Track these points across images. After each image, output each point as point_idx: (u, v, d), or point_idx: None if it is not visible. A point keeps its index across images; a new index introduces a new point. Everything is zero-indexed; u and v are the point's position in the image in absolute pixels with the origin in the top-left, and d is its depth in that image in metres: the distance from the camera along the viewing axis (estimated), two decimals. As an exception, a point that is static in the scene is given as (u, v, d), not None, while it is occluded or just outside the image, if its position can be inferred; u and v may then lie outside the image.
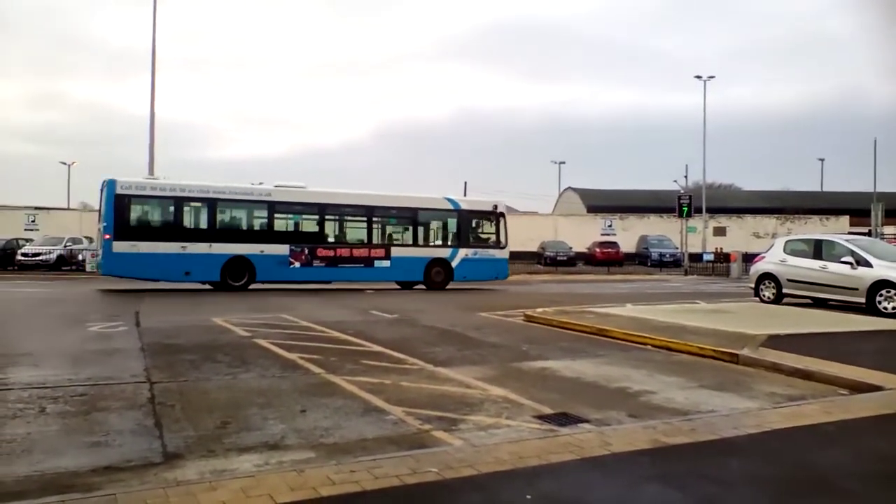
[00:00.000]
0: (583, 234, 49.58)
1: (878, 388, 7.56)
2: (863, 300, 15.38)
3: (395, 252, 23.32)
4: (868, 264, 15.51)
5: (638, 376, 8.64)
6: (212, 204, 21.40)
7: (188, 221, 21.40)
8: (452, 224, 24.60)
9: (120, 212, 20.24)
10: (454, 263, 24.07)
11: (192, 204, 21.34)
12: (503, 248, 25.07)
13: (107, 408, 6.66)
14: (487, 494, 4.39)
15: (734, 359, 9.58)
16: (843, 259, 15.94)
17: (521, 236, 38.62)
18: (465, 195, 49.30)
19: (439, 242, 24.53)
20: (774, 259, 17.83)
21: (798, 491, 4.60)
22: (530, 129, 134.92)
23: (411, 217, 24.09)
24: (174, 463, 5.12)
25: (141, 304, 16.17)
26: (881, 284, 15.12)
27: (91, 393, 7.25)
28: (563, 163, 74.43)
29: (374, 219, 23.44)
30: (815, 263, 16.65)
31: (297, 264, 22.03)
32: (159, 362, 9.05)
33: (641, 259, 47.63)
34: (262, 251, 21.52)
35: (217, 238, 21.23)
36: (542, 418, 6.52)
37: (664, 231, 49.98)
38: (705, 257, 43.12)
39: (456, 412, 6.67)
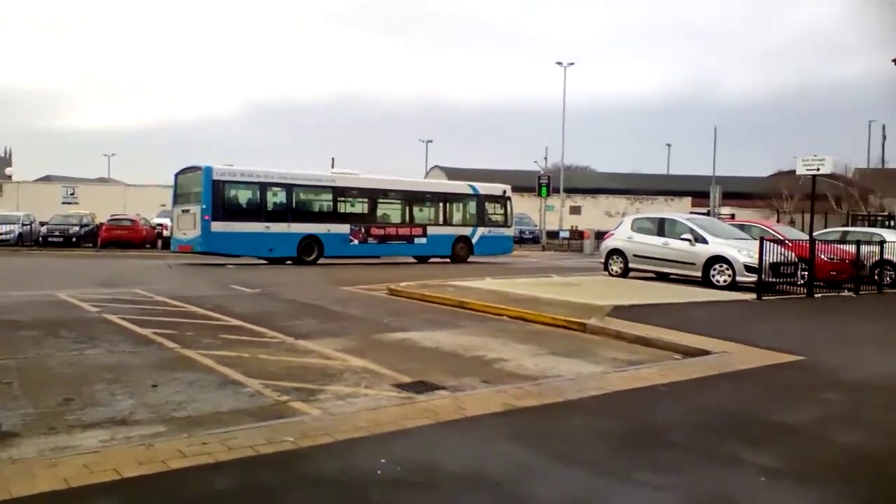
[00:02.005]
0: (448, 211, 50.09)
1: (706, 353, 8.22)
2: (699, 274, 16.56)
3: (430, 231, 26.15)
4: (704, 241, 16.70)
5: (494, 345, 8.94)
6: (289, 189, 23.51)
7: (271, 204, 23.24)
8: (472, 206, 27.67)
9: (217, 195, 21.96)
10: (474, 240, 27.18)
11: (274, 188, 23.32)
12: (510, 227, 29.06)
13: (-66, 388, 6.14)
14: (343, 460, 4.43)
15: (582, 328, 10.09)
16: (683, 236, 17.07)
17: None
18: (332, 169, 48.61)
19: (463, 222, 27.45)
20: (622, 236, 18.83)
21: (635, 444, 4.94)
22: (404, 109, 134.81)
23: (442, 200, 27.26)
24: (10, 441, 4.80)
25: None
26: (715, 259, 16.32)
27: (-85, 373, 6.65)
28: (431, 141, 75.08)
29: (415, 202, 26.45)
30: (659, 240, 17.73)
31: (355, 241, 24.42)
32: (-4, 340, 8.42)
33: (503, 236, 48.82)
34: (328, 230, 23.74)
35: (294, 219, 23.32)
36: (401, 387, 6.62)
37: (525, 209, 51.44)
38: (562, 234, 44.89)
39: (315, 383, 6.65)
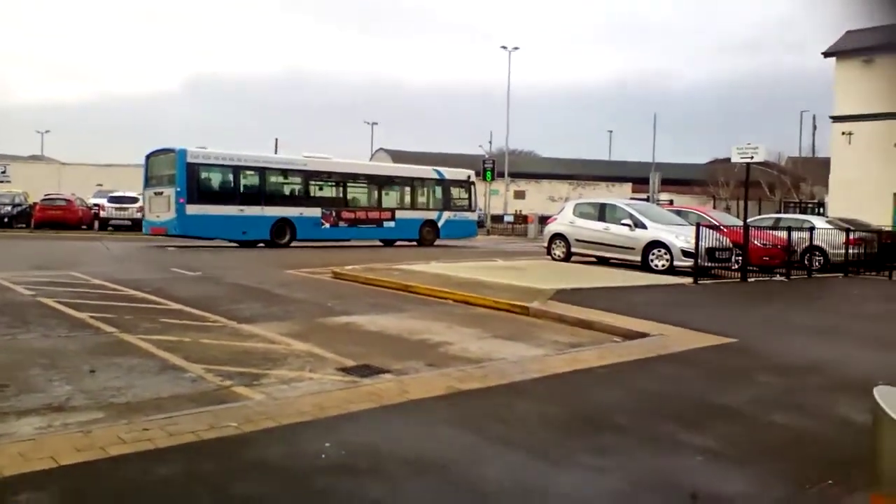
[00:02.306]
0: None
1: (644, 335, 8.42)
2: (639, 258, 16.87)
3: (398, 215, 26.76)
4: (643, 226, 17.01)
5: (438, 329, 8.98)
6: (262, 172, 23.74)
7: (244, 187, 23.46)
8: (438, 191, 28.44)
9: (191, 178, 22.01)
10: (440, 224, 27.93)
11: (247, 172, 23.53)
12: (474, 211, 30.02)
13: None
14: (287, 445, 4.40)
15: (525, 311, 10.21)
16: (623, 221, 17.37)
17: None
18: (275, 152, 47.89)
19: (429, 206, 28.10)
20: (565, 221, 19.06)
21: (575, 426, 5.04)
22: (349, 91, 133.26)
23: (410, 185, 27.90)
24: (-61, 430, 4.63)
25: None
26: (654, 244, 16.65)
27: None
28: (376, 124, 74.58)
29: (384, 186, 27.02)
30: (600, 225, 17.99)
31: (327, 225, 24.72)
32: (-78, 324, 8.07)
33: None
34: (300, 213, 23.98)
35: (267, 202, 23.45)
36: (345, 370, 6.60)
37: (470, 193, 51.56)
38: (506, 219, 45.23)
39: (258, 367, 6.58)
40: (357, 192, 26.36)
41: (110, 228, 30.45)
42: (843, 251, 18.37)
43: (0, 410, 5.09)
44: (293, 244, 23.56)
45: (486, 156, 51.96)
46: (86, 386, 5.80)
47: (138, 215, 31.00)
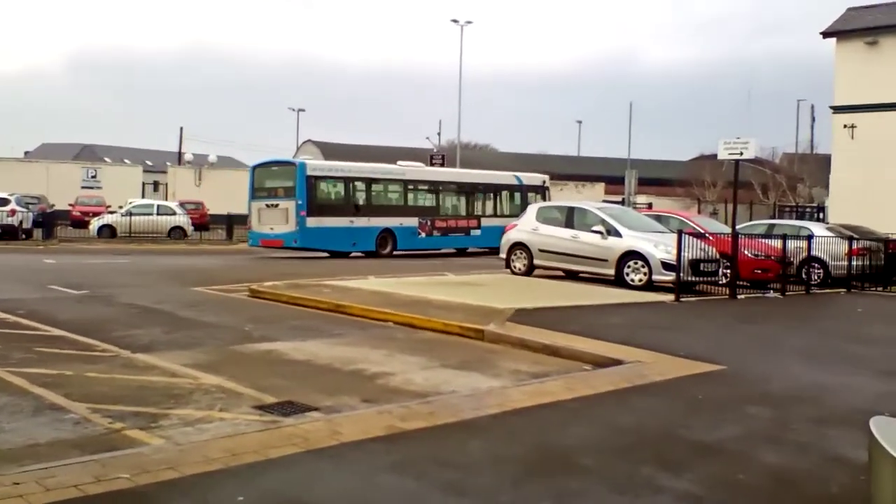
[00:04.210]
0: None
1: (619, 363, 8.56)
2: (612, 272, 16.92)
3: (483, 223, 30.38)
4: (618, 234, 17.08)
5: (376, 357, 8.98)
6: (368, 183, 27.34)
7: (353, 198, 26.79)
8: (517, 196, 32.12)
9: (311, 191, 25.15)
10: None
11: (356, 183, 27.00)
12: None
13: None
14: (192, 499, 4.36)
15: (480, 335, 10.29)
16: (594, 228, 17.39)
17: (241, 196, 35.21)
18: (180, 142, 47.39)
19: (510, 213, 30.11)
20: (527, 227, 19.11)
21: (537, 470, 5.10)
22: (271, 73, 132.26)
23: (493, 191, 31.88)
24: None
25: None
26: (629, 255, 16.76)
27: None
28: (303, 111, 73.92)
29: (470, 194, 30.87)
30: (567, 233, 18.07)
31: (423, 234, 28.39)
32: None
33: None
34: (401, 223, 27.48)
35: (372, 213, 26.79)
36: (264, 408, 6.57)
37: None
38: (458, 224, 45.35)
39: (157, 406, 6.50)
40: (447, 200, 30.19)
41: (-26, 237, 29.55)
42: (845, 263, 18.88)
43: None
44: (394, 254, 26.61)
45: (435, 150, 52.20)
46: (-58, 431, 5.64)
47: (9, 220, 30.25)
